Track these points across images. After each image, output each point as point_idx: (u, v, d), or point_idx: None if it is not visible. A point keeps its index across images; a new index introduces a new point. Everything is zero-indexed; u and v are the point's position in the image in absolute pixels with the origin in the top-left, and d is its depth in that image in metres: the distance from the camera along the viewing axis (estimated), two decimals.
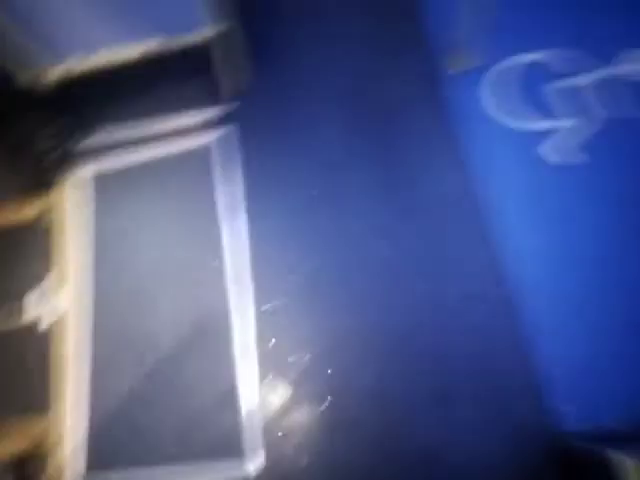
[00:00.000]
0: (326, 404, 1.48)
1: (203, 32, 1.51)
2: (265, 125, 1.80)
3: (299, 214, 1.68)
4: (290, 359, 1.54)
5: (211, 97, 1.77)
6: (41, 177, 1.84)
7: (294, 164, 1.74)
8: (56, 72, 1.54)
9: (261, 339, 1.56)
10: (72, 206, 1.80)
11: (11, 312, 1.73)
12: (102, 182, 1.84)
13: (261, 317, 1.59)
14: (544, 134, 1.57)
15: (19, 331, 1.72)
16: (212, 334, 1.59)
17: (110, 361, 1.64)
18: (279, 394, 1.51)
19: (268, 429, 1.47)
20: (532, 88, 1.62)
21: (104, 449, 1.56)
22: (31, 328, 1.71)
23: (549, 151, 1.55)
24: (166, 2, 1.45)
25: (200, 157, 1.77)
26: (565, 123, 1.56)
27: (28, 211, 1.83)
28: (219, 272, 1.65)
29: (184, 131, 1.76)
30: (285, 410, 1.50)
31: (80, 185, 1.83)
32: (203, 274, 1.66)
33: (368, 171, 1.68)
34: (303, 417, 1.48)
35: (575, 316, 1.42)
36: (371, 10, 1.87)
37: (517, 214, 1.54)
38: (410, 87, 1.71)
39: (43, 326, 1.70)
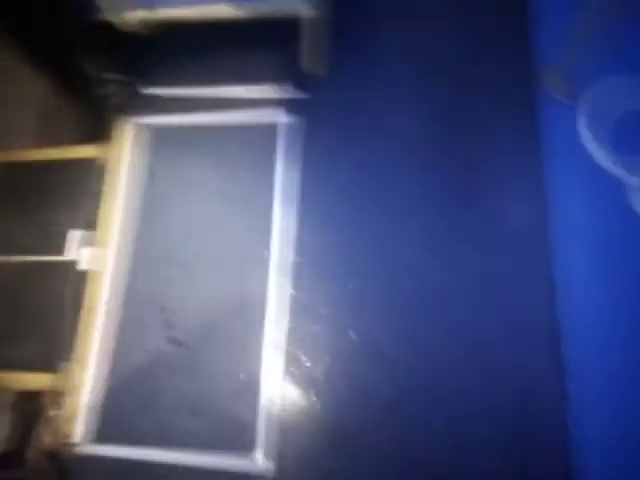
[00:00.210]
0: (343, 411, 1.43)
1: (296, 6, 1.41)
2: (335, 115, 1.71)
3: (351, 219, 1.61)
4: (316, 361, 1.49)
5: (287, 74, 1.67)
6: (103, 119, 1.79)
7: (357, 163, 1.66)
8: (140, 17, 1.46)
9: (291, 336, 1.51)
10: (128, 154, 1.76)
11: (52, 245, 1.72)
12: (161, 136, 1.79)
13: (295, 314, 1.53)
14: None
15: (57, 266, 1.71)
16: (244, 320, 1.54)
17: (137, 324, 1.61)
18: (299, 392, 1.47)
19: (284, 425, 1.43)
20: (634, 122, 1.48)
21: (114, 419, 1.54)
22: (69, 266, 1.69)
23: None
24: None
25: (264, 133, 1.71)
26: None
27: (85, 150, 1.80)
28: (263, 258, 1.59)
29: (253, 103, 1.67)
30: (302, 409, 1.46)
31: (139, 134, 1.79)
32: (246, 256, 1.61)
33: (434, 184, 1.59)
34: (319, 420, 1.44)
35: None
36: (472, 12, 1.73)
37: (587, 261, 1.43)
38: (500, 102, 1.60)
39: (81, 267, 1.68)
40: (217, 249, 1.65)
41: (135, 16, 1.45)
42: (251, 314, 1.54)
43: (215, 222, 1.69)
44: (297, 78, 1.69)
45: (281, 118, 1.69)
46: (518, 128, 1.55)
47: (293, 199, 1.63)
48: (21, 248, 1.75)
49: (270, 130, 1.71)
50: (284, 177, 1.66)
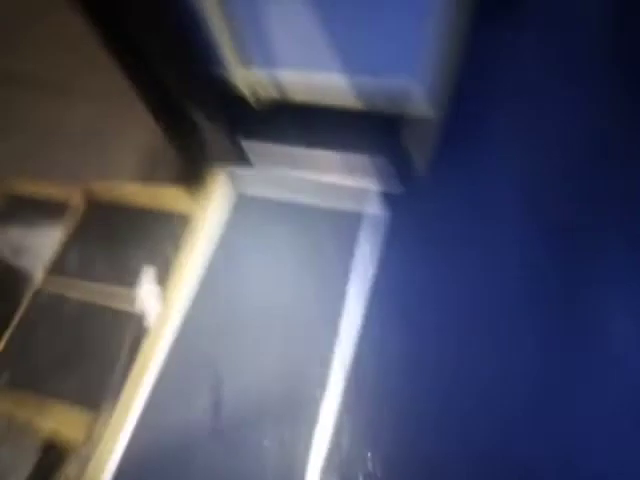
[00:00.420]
0: None
1: (412, 104, 1.37)
2: (426, 215, 1.61)
3: (423, 322, 1.46)
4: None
5: (385, 166, 1.62)
6: (195, 173, 1.82)
7: (440, 268, 1.52)
8: (258, 81, 1.48)
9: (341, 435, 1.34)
10: (213, 214, 1.75)
11: (119, 292, 1.70)
12: (245, 201, 1.77)
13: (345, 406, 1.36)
14: None
15: (118, 313, 1.68)
16: (294, 410, 1.39)
17: (184, 391, 1.51)
18: None
19: None
20: None
21: None
22: (129, 315, 1.65)
23: None
24: (386, 54, 1.32)
25: (349, 221, 1.64)
26: None
27: (174, 201, 1.82)
28: (325, 351, 1.46)
29: (343, 188, 1.62)
30: None
31: (225, 195, 1.77)
32: (309, 345, 1.49)
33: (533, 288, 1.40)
34: None
35: None
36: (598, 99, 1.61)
37: None
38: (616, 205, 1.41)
39: (144, 319, 1.64)
40: (279, 330, 1.54)
41: (254, 79, 1.48)
42: (303, 406, 1.39)
43: (282, 301, 1.59)
44: (394, 171, 1.63)
45: (369, 209, 1.63)
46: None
47: (366, 292, 1.52)
48: (93, 284, 1.76)
49: (355, 219, 1.65)
50: (361, 268, 1.56)
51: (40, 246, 1.90)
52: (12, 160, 2.19)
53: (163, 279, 1.70)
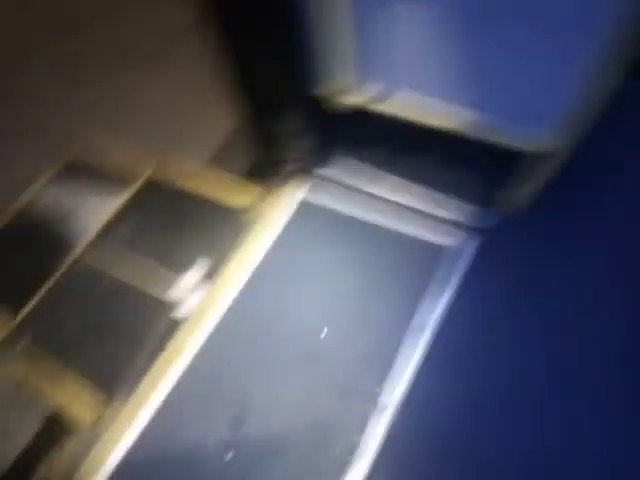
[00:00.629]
0: None
1: (535, 143, 1.23)
2: (513, 258, 1.45)
3: (489, 375, 1.29)
4: None
5: (479, 198, 1.48)
6: (266, 170, 1.73)
7: (518, 323, 1.35)
8: (355, 95, 1.39)
9: None
10: (275, 214, 1.63)
11: (164, 279, 1.61)
12: (313, 209, 1.66)
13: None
14: None
15: (155, 298, 1.59)
16: (323, 453, 1.24)
17: (205, 400, 1.38)
18: None
19: None
20: None
21: None
22: (167, 302, 1.56)
23: None
24: (522, 105, 1.20)
25: (425, 249, 1.50)
26: None
27: (237, 193, 1.74)
28: (370, 392, 1.30)
29: (427, 216, 1.49)
30: None
31: (293, 199, 1.67)
32: (352, 382, 1.33)
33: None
34: None
35: None
36: None
37: None
38: None
39: (180, 312, 1.54)
40: (323, 354, 1.40)
41: (352, 97, 1.39)
42: (333, 454, 1.23)
43: (332, 322, 1.45)
44: (488, 205, 1.48)
45: (451, 241, 1.48)
46: None
47: (431, 329, 1.36)
48: (134, 265, 1.68)
49: (434, 249, 1.50)
50: (428, 308, 1.40)
51: (91, 213, 1.86)
52: (84, 116, 2.18)
53: (210, 273, 1.60)
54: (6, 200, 1.97)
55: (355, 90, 1.38)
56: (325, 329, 1.43)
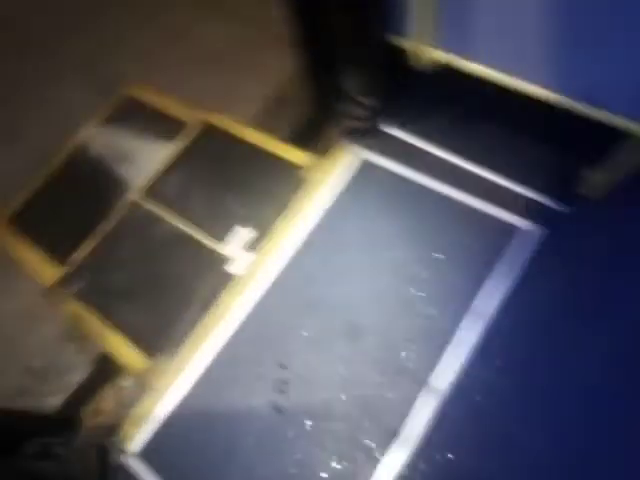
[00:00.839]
0: None
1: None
2: (585, 246, 1.33)
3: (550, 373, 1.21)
4: None
5: (557, 182, 1.34)
6: (327, 133, 1.62)
7: (580, 325, 1.25)
8: (439, 58, 1.23)
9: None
10: (331, 172, 1.55)
11: (218, 230, 1.58)
12: (373, 170, 1.54)
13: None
14: None
15: (207, 251, 1.57)
16: (363, 429, 1.24)
17: (249, 364, 1.39)
18: None
19: None
20: None
21: (169, 448, 1.33)
22: (221, 259, 1.55)
23: None
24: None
25: (495, 232, 1.39)
26: None
27: (296, 154, 1.65)
28: (422, 359, 1.28)
29: (500, 189, 1.36)
30: None
31: (351, 157, 1.56)
32: (400, 348, 1.31)
33: None
34: None
35: None
36: None
37: None
38: None
39: (230, 268, 1.52)
40: (374, 328, 1.36)
41: (434, 55, 1.23)
42: (375, 428, 1.22)
43: (386, 293, 1.39)
44: (565, 189, 1.34)
45: (521, 220, 1.36)
46: None
47: (493, 313, 1.28)
48: (189, 214, 1.66)
49: (503, 226, 1.38)
50: (490, 292, 1.31)
51: (145, 159, 1.83)
52: (135, 55, 2.10)
53: (264, 230, 1.56)
54: (60, 139, 1.96)
55: (438, 47, 1.23)
56: (379, 298, 1.38)
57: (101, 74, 2.13)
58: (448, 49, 1.21)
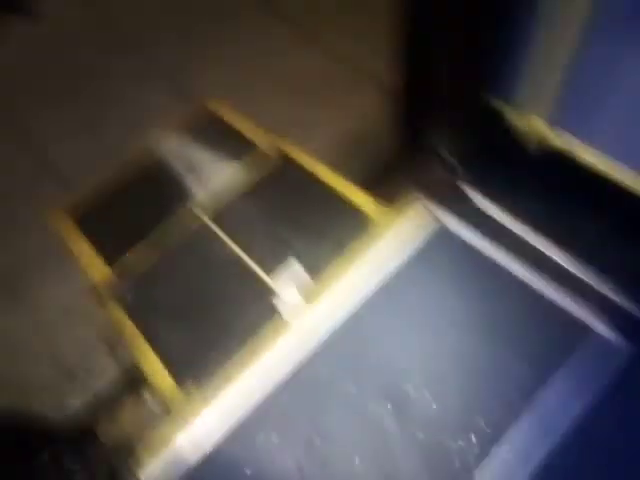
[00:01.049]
0: None
1: None
2: None
3: None
4: None
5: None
6: (399, 183, 1.56)
7: None
8: (542, 132, 1.14)
9: None
10: (404, 235, 1.48)
11: (275, 263, 1.53)
12: (449, 242, 1.45)
13: None
14: None
15: (261, 285, 1.51)
16: None
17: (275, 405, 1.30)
18: None
19: None
20: None
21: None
22: (270, 293, 1.49)
23: None
24: None
25: (569, 331, 1.26)
26: None
27: (367, 202, 1.60)
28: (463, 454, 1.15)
29: (584, 289, 1.23)
30: None
31: (427, 225, 1.48)
32: (445, 443, 1.18)
33: None
34: None
35: None
36: None
37: None
38: None
39: (279, 304, 1.46)
40: (413, 414, 1.24)
41: (545, 133, 1.14)
42: None
43: (432, 382, 1.28)
44: None
45: (607, 332, 1.22)
46: None
47: (555, 433, 1.14)
48: (249, 242, 1.61)
49: (578, 327, 1.25)
50: (562, 390, 1.17)
51: (213, 174, 1.82)
52: (227, 79, 2.13)
53: (321, 275, 1.49)
54: (134, 139, 2.00)
55: (552, 125, 1.14)
56: (425, 383, 1.27)
57: (186, 83, 2.18)
58: (564, 130, 1.11)
